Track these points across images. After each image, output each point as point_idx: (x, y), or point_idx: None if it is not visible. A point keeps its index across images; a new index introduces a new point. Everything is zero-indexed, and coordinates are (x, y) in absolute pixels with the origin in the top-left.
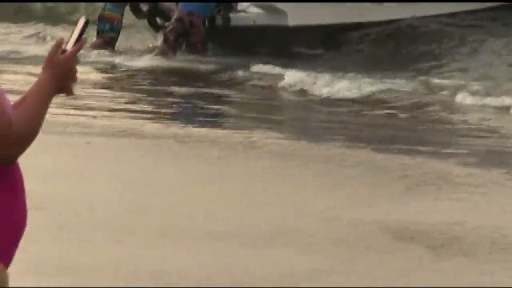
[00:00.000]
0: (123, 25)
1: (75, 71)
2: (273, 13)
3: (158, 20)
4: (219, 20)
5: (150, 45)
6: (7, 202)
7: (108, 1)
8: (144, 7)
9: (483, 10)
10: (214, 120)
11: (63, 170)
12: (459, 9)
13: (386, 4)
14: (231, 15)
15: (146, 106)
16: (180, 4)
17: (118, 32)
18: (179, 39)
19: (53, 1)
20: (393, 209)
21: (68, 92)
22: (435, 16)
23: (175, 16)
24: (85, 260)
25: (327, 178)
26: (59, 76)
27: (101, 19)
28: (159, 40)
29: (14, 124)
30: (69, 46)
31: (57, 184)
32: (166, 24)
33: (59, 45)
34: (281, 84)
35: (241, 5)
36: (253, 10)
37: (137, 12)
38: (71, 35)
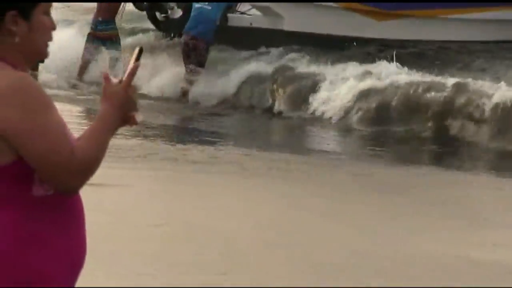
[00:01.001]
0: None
1: (134, 100)
2: (270, 17)
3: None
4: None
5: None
6: (68, 231)
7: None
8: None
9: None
10: None
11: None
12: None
13: (389, 22)
14: (229, 15)
15: None
16: (185, 28)
17: (120, 50)
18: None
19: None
20: None
21: (131, 122)
22: (443, 41)
23: (181, 40)
24: None
25: None
26: (119, 106)
27: (94, 39)
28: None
29: (76, 154)
30: (126, 76)
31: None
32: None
33: (106, 77)
34: None
35: (244, 6)
36: (253, 12)
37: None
38: (128, 65)
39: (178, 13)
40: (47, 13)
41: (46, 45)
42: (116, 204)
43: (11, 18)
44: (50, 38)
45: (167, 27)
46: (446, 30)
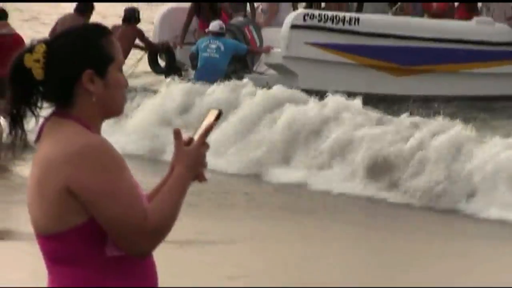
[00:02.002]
0: None
1: (205, 158)
2: (285, 75)
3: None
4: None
5: None
6: None
7: None
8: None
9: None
10: None
11: None
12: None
13: (405, 78)
14: (246, 75)
15: None
16: (194, 77)
17: None
18: None
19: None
20: None
21: (201, 178)
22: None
23: None
24: None
25: None
26: (193, 166)
27: None
28: None
29: (150, 218)
30: (196, 135)
31: None
32: None
33: (178, 135)
34: None
35: (261, 67)
36: (270, 72)
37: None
38: (200, 126)
39: (190, 74)
40: (120, 70)
41: (122, 100)
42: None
43: (88, 77)
44: (124, 95)
45: None
46: (467, 85)
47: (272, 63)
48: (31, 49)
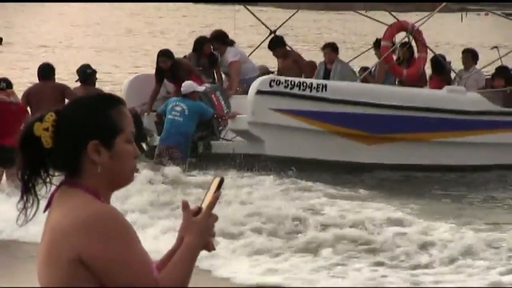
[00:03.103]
0: None
1: (213, 227)
2: (252, 142)
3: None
4: (200, 147)
5: None
6: None
7: None
8: None
9: None
10: None
11: None
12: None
13: (377, 146)
14: (212, 142)
15: None
16: (159, 139)
17: None
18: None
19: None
20: None
21: (210, 247)
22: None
23: (156, 152)
24: None
25: None
26: (202, 237)
27: None
28: None
29: (161, 286)
30: (204, 205)
31: None
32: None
33: (186, 207)
34: None
35: (228, 134)
36: (237, 139)
37: None
38: (206, 194)
39: (156, 140)
40: (129, 141)
41: (130, 173)
42: None
43: (93, 147)
44: (133, 165)
45: (149, 154)
46: (439, 154)
47: (238, 129)
48: (41, 118)
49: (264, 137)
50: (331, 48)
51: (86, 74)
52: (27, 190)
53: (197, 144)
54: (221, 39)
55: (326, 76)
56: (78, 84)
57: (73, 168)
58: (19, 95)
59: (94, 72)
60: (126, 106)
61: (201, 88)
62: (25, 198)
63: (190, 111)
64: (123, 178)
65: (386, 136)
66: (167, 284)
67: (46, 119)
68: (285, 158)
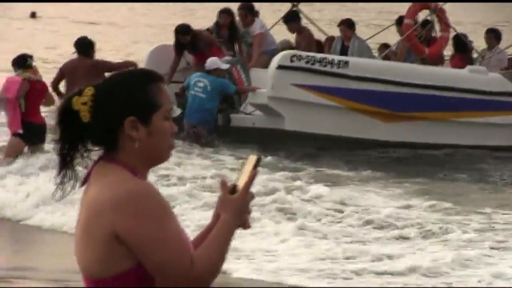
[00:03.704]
0: None
1: (249, 206)
2: (271, 116)
3: None
4: (220, 120)
5: None
6: None
7: None
8: None
9: None
10: None
11: None
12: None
13: (395, 124)
14: (232, 115)
15: None
16: (184, 116)
17: None
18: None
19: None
20: None
21: (245, 225)
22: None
23: (184, 132)
24: None
25: None
26: (238, 215)
27: None
28: None
29: (196, 264)
30: (240, 182)
31: None
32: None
33: (224, 186)
34: None
35: (249, 107)
36: (257, 113)
37: None
38: (241, 171)
39: (176, 112)
40: (167, 118)
41: (167, 150)
42: None
43: (131, 123)
44: (170, 143)
45: None
46: (458, 133)
47: (257, 103)
48: (80, 92)
49: (283, 112)
50: (346, 25)
51: (85, 45)
52: (65, 165)
53: (217, 117)
54: (250, 10)
55: (343, 52)
56: (75, 56)
57: (110, 143)
58: (49, 71)
59: (92, 43)
60: (165, 83)
61: (225, 66)
62: (63, 172)
63: (212, 87)
64: (160, 155)
65: (406, 114)
66: (202, 261)
67: (85, 94)
68: (305, 134)
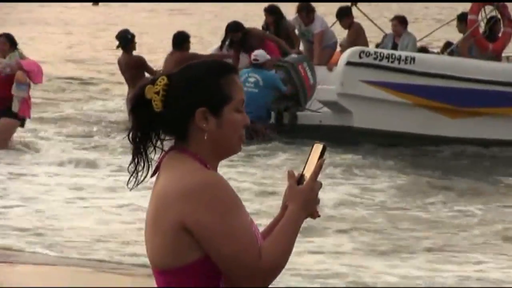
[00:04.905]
0: None
1: (318, 195)
2: (339, 113)
3: None
4: (286, 118)
5: None
6: None
7: None
8: None
9: None
10: None
11: None
12: None
13: (460, 120)
14: (298, 113)
15: None
16: None
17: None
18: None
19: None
20: None
21: (314, 215)
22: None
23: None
24: None
25: None
26: (306, 205)
27: None
28: None
29: (264, 257)
30: (307, 172)
31: None
32: None
33: (292, 176)
34: None
35: (314, 105)
36: (323, 109)
37: None
38: (307, 161)
39: None
40: (238, 110)
41: (238, 141)
42: None
43: (201, 115)
44: (241, 134)
45: None
46: None
47: (326, 100)
48: (153, 81)
49: (352, 108)
50: (398, 21)
51: (127, 39)
52: (138, 152)
53: (283, 115)
54: (308, 9)
55: (393, 49)
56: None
57: (180, 133)
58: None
59: (133, 36)
60: (239, 75)
61: (267, 57)
62: (136, 160)
63: (265, 81)
64: (230, 147)
65: (471, 110)
66: (270, 254)
67: (158, 83)
68: (373, 131)
